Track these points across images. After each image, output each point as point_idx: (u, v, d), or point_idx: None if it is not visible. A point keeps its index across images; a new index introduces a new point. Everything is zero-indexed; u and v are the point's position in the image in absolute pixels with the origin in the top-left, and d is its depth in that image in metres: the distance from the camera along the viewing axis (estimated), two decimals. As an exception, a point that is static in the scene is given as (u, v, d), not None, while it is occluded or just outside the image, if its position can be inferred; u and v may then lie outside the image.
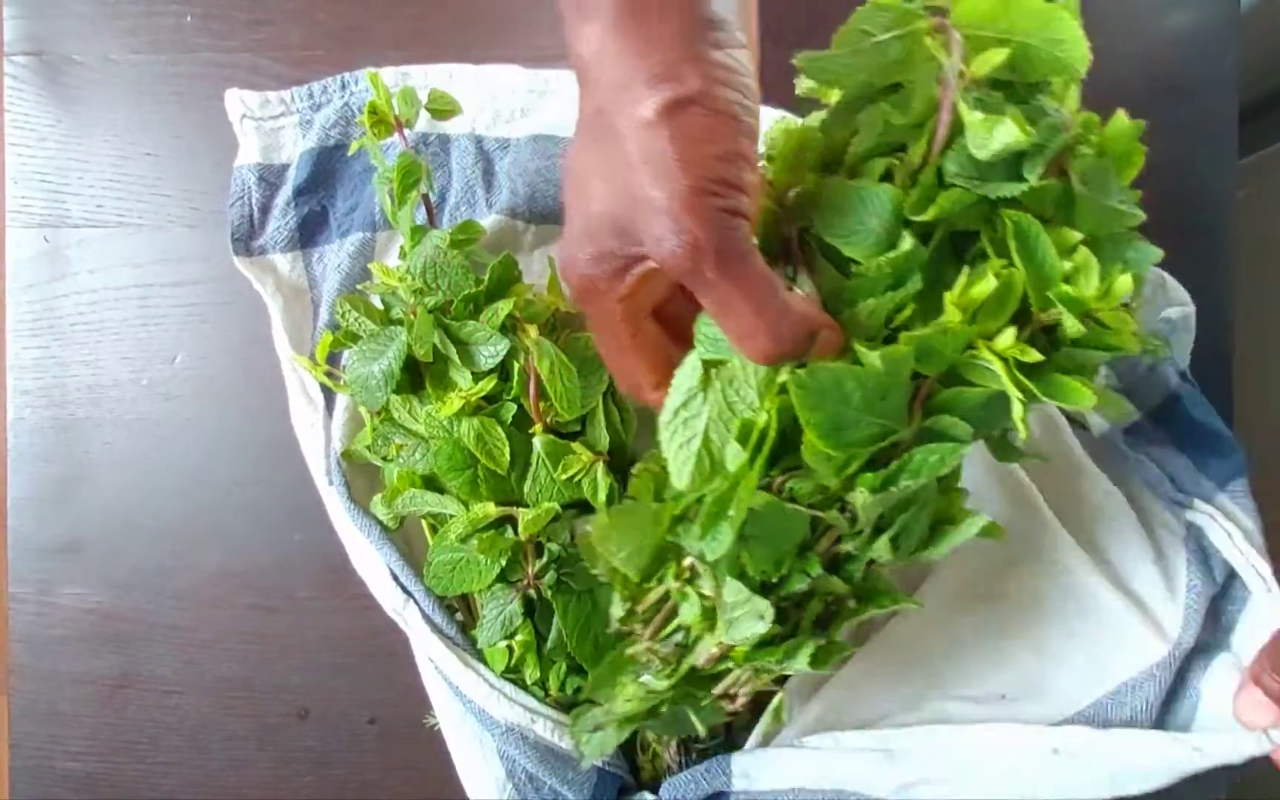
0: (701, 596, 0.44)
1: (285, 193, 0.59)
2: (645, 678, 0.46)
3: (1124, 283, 0.40)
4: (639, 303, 0.39)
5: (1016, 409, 0.39)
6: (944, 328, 0.39)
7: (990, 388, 0.40)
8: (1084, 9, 0.63)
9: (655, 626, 0.46)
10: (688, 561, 0.44)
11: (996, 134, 0.38)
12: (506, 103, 0.60)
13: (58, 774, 0.61)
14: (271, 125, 0.60)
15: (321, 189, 0.60)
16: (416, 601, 0.53)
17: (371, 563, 0.55)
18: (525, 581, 0.52)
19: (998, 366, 0.39)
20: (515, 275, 0.54)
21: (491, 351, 0.51)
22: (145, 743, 0.61)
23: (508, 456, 0.51)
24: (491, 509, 0.51)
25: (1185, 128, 0.60)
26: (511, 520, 0.52)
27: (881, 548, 0.42)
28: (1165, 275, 0.56)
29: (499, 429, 0.51)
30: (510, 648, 0.52)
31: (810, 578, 0.43)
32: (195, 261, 0.62)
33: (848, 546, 0.43)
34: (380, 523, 0.55)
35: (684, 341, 0.41)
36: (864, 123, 0.41)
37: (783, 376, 0.39)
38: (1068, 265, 0.40)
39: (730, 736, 0.56)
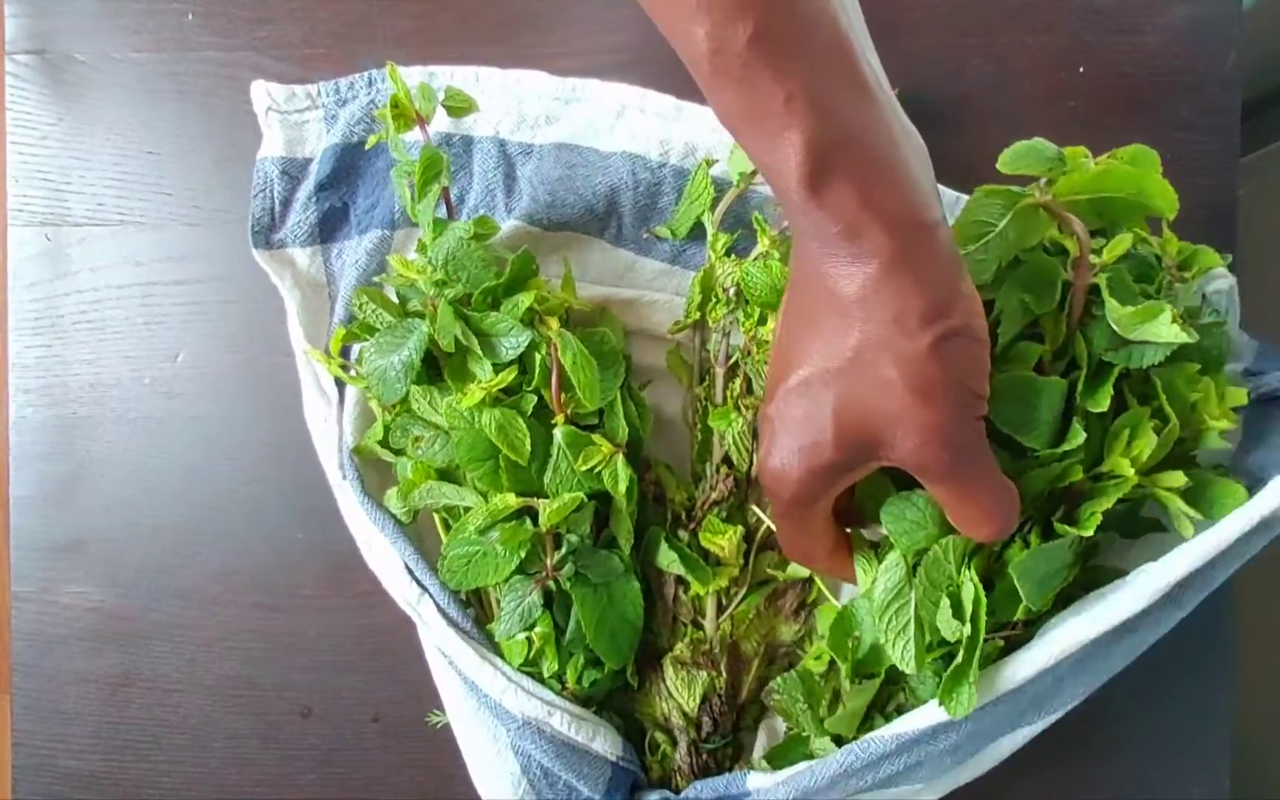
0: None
1: (307, 187, 0.59)
2: None
3: (1239, 395, 0.48)
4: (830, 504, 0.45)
5: (1188, 529, 0.46)
6: (1120, 483, 0.45)
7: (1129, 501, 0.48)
8: (1085, 6, 0.63)
9: None
10: (894, 706, 0.51)
11: (1158, 331, 0.43)
12: (532, 109, 0.60)
13: (60, 772, 0.61)
14: (296, 118, 0.60)
15: (344, 185, 0.60)
16: (431, 595, 0.53)
17: (384, 557, 0.54)
18: (544, 573, 0.52)
19: (1171, 501, 0.46)
20: (533, 270, 0.54)
21: (513, 343, 0.52)
22: (148, 741, 0.61)
23: (529, 447, 0.51)
24: (513, 499, 0.51)
25: (1187, 125, 0.61)
26: (531, 511, 0.52)
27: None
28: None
29: (520, 420, 0.51)
30: (530, 640, 0.52)
31: None
32: (197, 260, 0.62)
33: None
34: (394, 517, 0.55)
35: (840, 518, 0.48)
36: (1005, 312, 0.47)
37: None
38: (1195, 394, 0.47)
39: (736, 736, 0.56)
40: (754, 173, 0.57)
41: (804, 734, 0.53)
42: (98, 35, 0.62)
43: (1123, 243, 0.45)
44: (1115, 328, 0.44)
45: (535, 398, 0.52)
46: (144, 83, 0.62)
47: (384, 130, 0.54)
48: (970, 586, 0.45)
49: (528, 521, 0.51)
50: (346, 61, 0.61)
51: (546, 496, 0.52)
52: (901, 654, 0.47)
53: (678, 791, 0.54)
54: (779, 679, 0.54)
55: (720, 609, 0.56)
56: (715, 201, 0.58)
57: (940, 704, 0.46)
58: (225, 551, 0.61)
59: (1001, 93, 0.61)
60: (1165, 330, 0.43)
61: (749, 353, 0.55)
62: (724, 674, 0.55)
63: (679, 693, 0.54)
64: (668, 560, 0.55)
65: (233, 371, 0.62)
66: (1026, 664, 0.46)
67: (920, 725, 0.47)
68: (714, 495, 0.55)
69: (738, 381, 0.56)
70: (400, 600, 0.54)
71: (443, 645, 0.53)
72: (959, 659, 0.45)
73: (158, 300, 0.62)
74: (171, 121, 0.62)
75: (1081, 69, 0.61)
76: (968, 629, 0.45)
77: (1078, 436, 0.45)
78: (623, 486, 0.52)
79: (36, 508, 0.61)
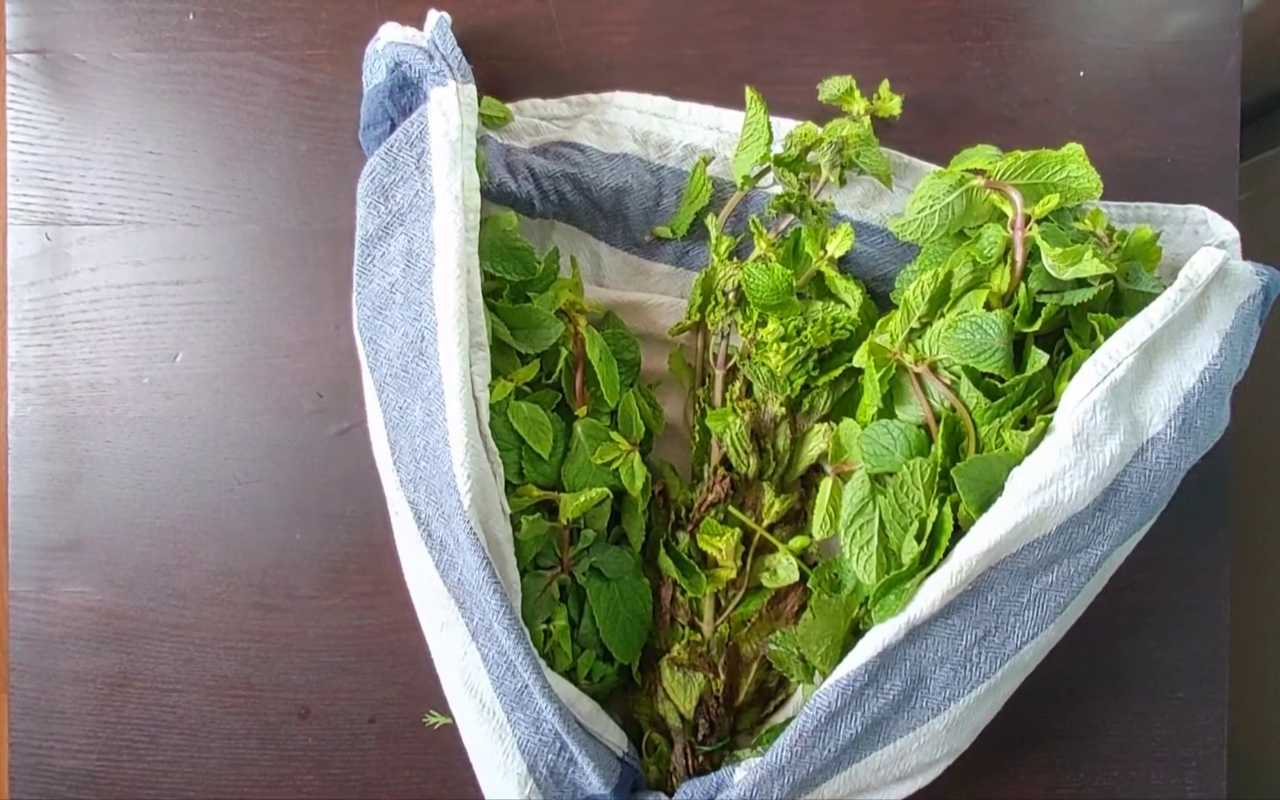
0: None
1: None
2: None
3: None
4: None
5: None
6: None
7: None
8: (1086, 10, 0.63)
9: None
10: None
11: (1083, 265, 0.48)
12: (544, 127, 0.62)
13: (57, 772, 0.61)
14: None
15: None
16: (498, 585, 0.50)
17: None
18: (559, 567, 0.52)
19: None
20: (556, 268, 0.55)
21: (548, 334, 0.53)
22: (145, 741, 0.61)
23: (550, 440, 0.51)
24: (534, 491, 0.52)
25: (1187, 129, 0.61)
26: (551, 505, 0.52)
27: None
28: (1208, 212, 0.58)
29: (544, 413, 0.52)
30: (547, 632, 0.52)
31: None
32: (197, 260, 0.62)
33: None
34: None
35: None
36: (955, 266, 0.52)
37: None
38: None
39: (734, 737, 0.56)
40: (758, 177, 0.57)
41: (796, 681, 0.55)
42: (98, 35, 0.62)
43: (1051, 200, 0.50)
44: (1050, 270, 0.49)
45: (558, 394, 0.53)
46: (144, 83, 0.62)
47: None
48: (946, 515, 0.47)
49: (546, 514, 0.52)
50: (347, 61, 0.61)
51: (565, 490, 0.52)
52: (864, 567, 0.50)
53: (671, 794, 0.54)
54: (779, 633, 0.54)
55: (718, 611, 0.56)
56: (715, 200, 0.58)
57: (873, 608, 0.48)
58: (223, 552, 0.61)
59: (1001, 96, 0.61)
60: (1088, 265, 0.47)
61: (747, 355, 0.55)
62: (721, 676, 0.55)
63: (675, 694, 0.54)
64: (665, 564, 0.55)
65: (232, 372, 0.62)
66: (945, 575, 0.47)
67: (874, 647, 0.48)
68: (710, 497, 0.55)
69: (736, 384, 0.56)
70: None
71: (499, 631, 0.49)
72: (904, 569, 0.48)
73: (157, 300, 0.62)
74: (171, 121, 0.62)
75: (1082, 73, 0.61)
76: (922, 546, 0.48)
77: (1038, 358, 0.49)
78: (638, 483, 0.53)
79: (35, 507, 0.61)
